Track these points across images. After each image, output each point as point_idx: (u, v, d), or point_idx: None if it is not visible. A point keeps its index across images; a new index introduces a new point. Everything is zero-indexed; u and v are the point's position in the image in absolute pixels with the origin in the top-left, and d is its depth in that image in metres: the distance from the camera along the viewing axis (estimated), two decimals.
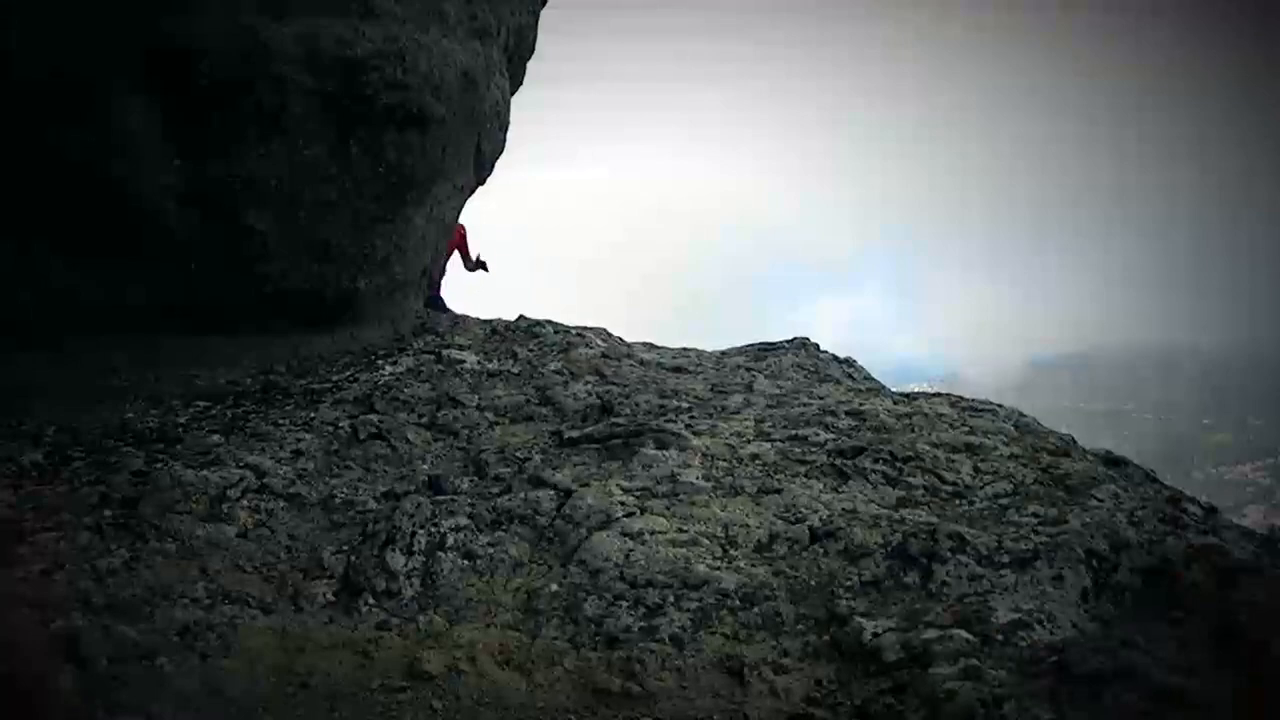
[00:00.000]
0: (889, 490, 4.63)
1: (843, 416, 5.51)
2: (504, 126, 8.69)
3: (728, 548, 4.16)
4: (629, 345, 7.66)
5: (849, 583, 3.85)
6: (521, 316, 8.09)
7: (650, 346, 7.81)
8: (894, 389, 7.11)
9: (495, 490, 4.85)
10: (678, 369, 6.93)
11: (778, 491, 4.56)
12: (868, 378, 7.60)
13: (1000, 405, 5.81)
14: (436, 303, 11.83)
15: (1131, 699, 2.79)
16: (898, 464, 4.81)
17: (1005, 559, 3.81)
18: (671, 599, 3.76)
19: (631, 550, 4.07)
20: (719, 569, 3.94)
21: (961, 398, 6.02)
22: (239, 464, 4.95)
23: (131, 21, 5.67)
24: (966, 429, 5.27)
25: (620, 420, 5.51)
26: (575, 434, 5.45)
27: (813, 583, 3.89)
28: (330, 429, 5.51)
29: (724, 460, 4.98)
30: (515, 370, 6.76)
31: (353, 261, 7.25)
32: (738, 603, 3.74)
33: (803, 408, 5.74)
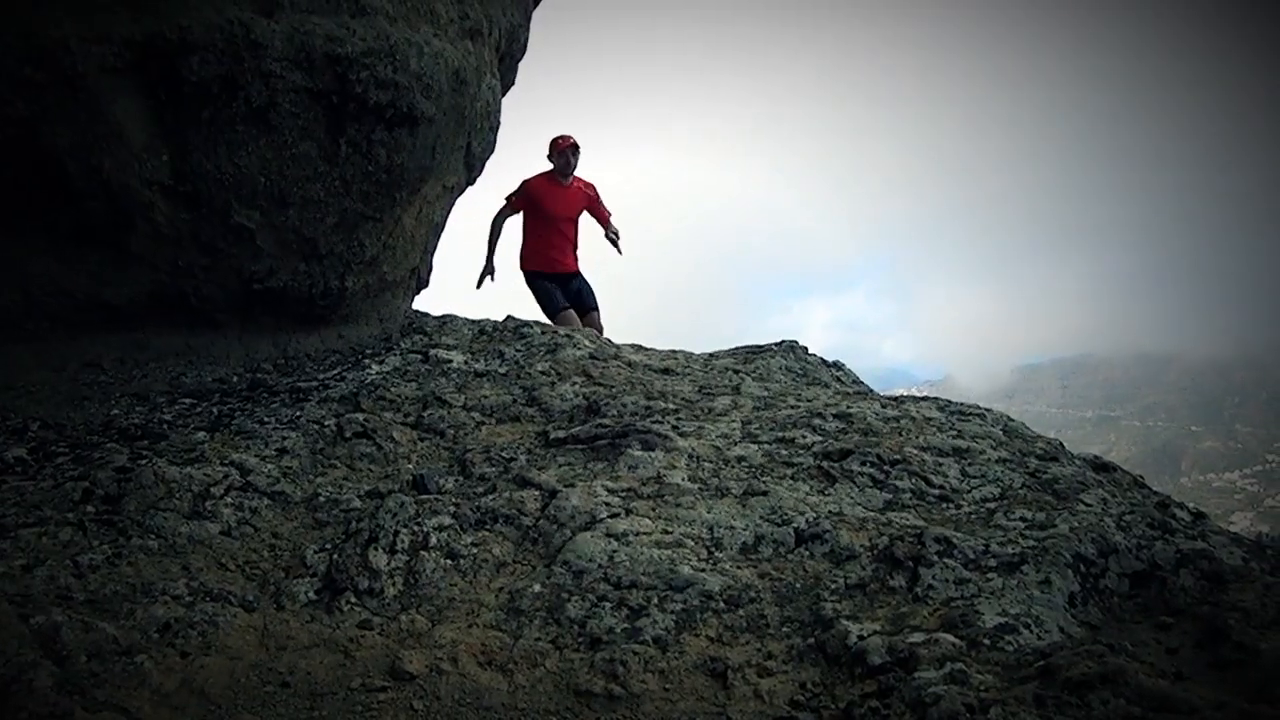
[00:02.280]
0: (876, 493, 4.61)
1: (830, 419, 5.50)
2: (495, 127, 8.70)
3: (713, 550, 4.14)
4: (617, 347, 7.65)
5: (835, 585, 3.84)
6: (510, 317, 8.08)
7: (638, 348, 7.80)
8: (883, 392, 7.11)
9: (480, 490, 4.83)
10: (665, 371, 6.92)
11: (764, 494, 4.55)
12: (856, 381, 7.59)
13: (989, 410, 5.80)
14: (572, 286, 10.39)
15: (1119, 704, 2.78)
16: (885, 467, 4.80)
17: (992, 563, 3.79)
18: (655, 600, 3.73)
19: (616, 551, 4.05)
20: (704, 571, 3.92)
21: (950, 402, 6.01)
22: (223, 461, 4.92)
23: (120, 15, 5.66)
24: (954, 433, 5.26)
25: (607, 421, 5.50)
26: (561, 434, 5.43)
27: (798, 585, 3.87)
28: (316, 427, 5.49)
29: (710, 462, 4.97)
30: (502, 371, 6.75)
31: (341, 260, 7.25)
32: (722, 605, 3.72)
33: (790, 410, 5.73)
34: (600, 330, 10.12)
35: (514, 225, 10.63)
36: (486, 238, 10.56)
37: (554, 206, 10.37)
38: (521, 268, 10.57)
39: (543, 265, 10.47)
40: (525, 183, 10.34)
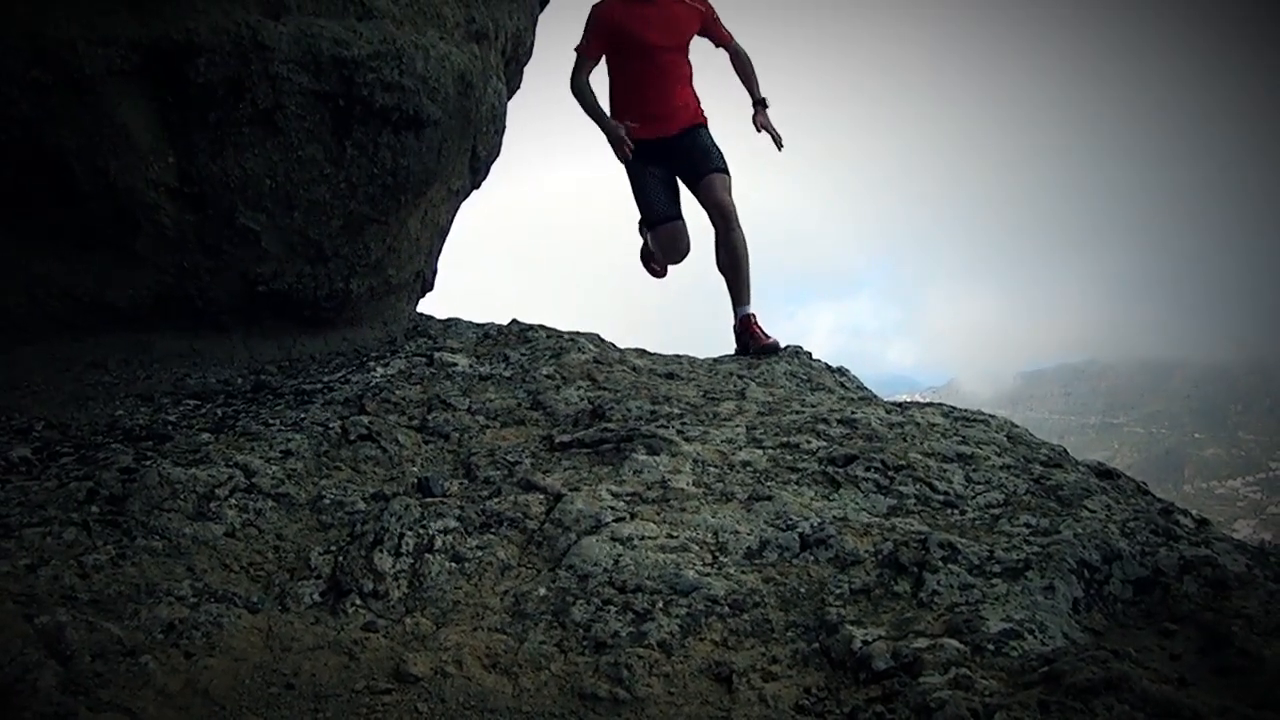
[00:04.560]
0: (880, 499, 4.61)
1: (835, 425, 5.49)
2: (500, 130, 8.71)
3: (718, 554, 4.14)
4: (621, 351, 7.65)
5: (839, 590, 3.83)
6: (514, 321, 8.07)
7: (642, 352, 7.80)
8: (887, 398, 7.10)
9: (485, 493, 4.83)
10: (670, 375, 6.92)
11: (768, 498, 4.54)
12: (860, 386, 7.59)
13: (993, 416, 5.80)
14: (683, 152, 7.47)
15: (1123, 710, 2.78)
16: (889, 473, 4.80)
17: (997, 569, 3.79)
18: (660, 605, 3.73)
19: (621, 555, 4.05)
20: (709, 575, 3.92)
21: (954, 408, 6.01)
22: (228, 463, 4.92)
23: (127, 18, 5.67)
24: (959, 439, 5.26)
25: (611, 425, 5.50)
26: (566, 438, 5.43)
27: (803, 590, 3.87)
28: (320, 429, 5.49)
29: (715, 466, 4.96)
30: (507, 374, 6.75)
31: (346, 263, 7.26)
32: (727, 609, 3.71)
33: (795, 415, 5.72)
34: (724, 205, 7.43)
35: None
36: (586, 112, 7.63)
37: (646, 32, 7.25)
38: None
39: (639, 129, 7.46)
40: (594, 10, 7.40)
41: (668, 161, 7.61)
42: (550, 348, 7.27)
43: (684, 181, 7.68)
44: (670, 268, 8.40)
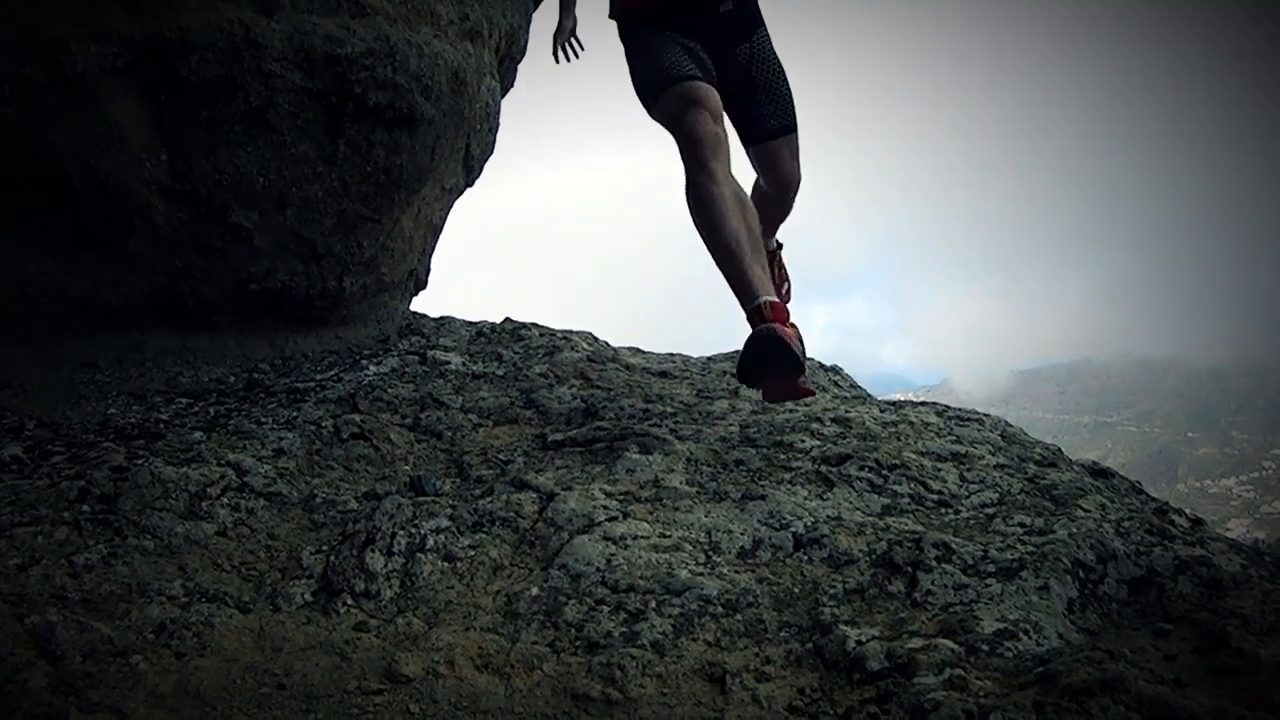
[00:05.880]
0: (874, 498, 4.60)
1: (828, 424, 5.48)
2: (494, 129, 8.68)
3: (711, 554, 4.13)
4: (615, 349, 7.64)
5: (833, 590, 3.82)
6: (508, 319, 8.06)
7: (636, 351, 7.79)
8: (880, 397, 7.09)
9: (477, 492, 4.81)
10: (663, 374, 6.91)
11: (762, 498, 4.53)
12: (854, 385, 7.58)
13: (987, 415, 5.79)
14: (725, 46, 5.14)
15: (1119, 710, 2.77)
16: (883, 472, 4.79)
17: (991, 568, 3.78)
18: (653, 604, 3.72)
19: (613, 555, 4.03)
20: (702, 575, 3.90)
21: (948, 407, 6.00)
22: (220, 462, 4.90)
23: (119, 15, 5.64)
24: (953, 438, 5.25)
25: (604, 424, 5.48)
26: (559, 437, 5.42)
27: (796, 590, 3.86)
28: (313, 428, 5.47)
29: (708, 465, 4.95)
30: (500, 373, 6.73)
31: (339, 261, 7.23)
32: (720, 609, 3.70)
33: (788, 414, 5.71)
34: (792, 182, 5.72)
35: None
36: None
37: None
38: (612, 15, 5.66)
39: None
40: None
41: (693, 38, 5.18)
42: (543, 346, 7.26)
43: (733, 124, 5.45)
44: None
